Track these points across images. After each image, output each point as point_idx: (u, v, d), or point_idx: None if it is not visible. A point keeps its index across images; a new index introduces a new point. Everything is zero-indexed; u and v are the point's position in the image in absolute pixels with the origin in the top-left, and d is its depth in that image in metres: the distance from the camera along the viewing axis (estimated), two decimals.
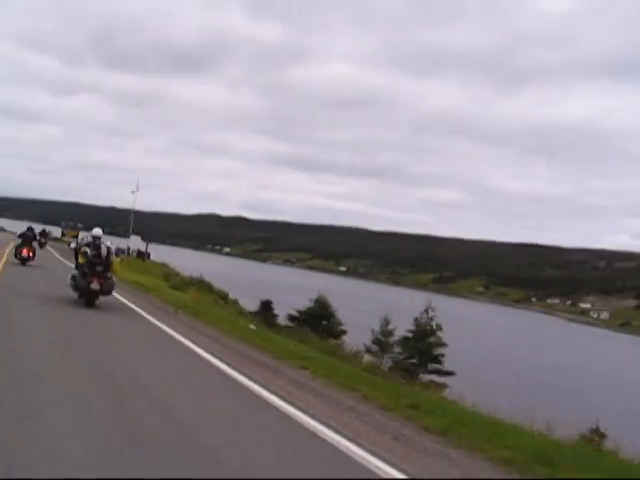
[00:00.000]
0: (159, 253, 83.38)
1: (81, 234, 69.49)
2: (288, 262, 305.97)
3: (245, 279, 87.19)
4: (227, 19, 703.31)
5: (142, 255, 63.29)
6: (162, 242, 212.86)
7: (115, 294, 18.61)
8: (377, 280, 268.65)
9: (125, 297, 20.20)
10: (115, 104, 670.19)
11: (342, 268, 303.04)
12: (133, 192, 72.50)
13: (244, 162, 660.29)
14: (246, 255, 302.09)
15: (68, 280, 17.68)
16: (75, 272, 17.50)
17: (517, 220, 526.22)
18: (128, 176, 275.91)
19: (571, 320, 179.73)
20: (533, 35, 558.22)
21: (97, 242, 17.31)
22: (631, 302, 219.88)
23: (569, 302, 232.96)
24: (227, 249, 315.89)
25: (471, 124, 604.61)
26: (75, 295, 17.20)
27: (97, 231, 17.74)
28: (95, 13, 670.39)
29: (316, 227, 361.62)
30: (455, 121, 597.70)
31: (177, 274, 47.24)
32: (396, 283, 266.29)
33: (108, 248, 17.47)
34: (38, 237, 62.94)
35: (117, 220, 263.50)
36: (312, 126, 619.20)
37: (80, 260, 17.33)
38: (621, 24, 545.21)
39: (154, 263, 60.91)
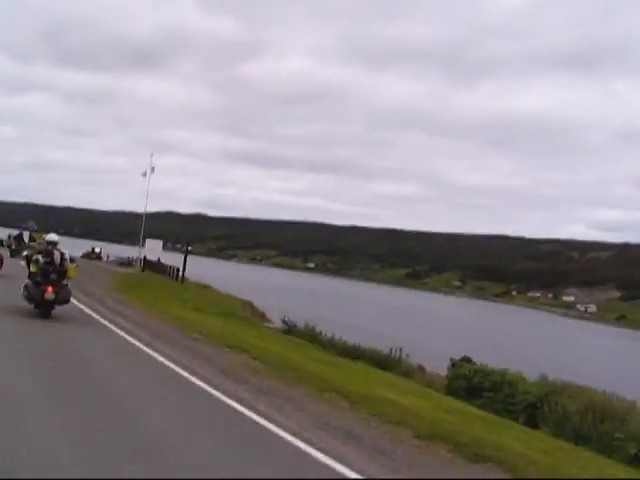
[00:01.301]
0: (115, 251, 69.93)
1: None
2: (253, 260, 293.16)
3: (251, 286, 75.22)
4: (181, 14, 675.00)
5: (169, 271, 43.80)
6: (120, 242, 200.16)
7: None
8: (349, 277, 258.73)
9: None
10: (69, 102, 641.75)
11: (310, 265, 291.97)
12: (145, 175, 55.77)
13: (200, 159, 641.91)
14: (209, 253, 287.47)
15: (21, 290, 16.47)
16: (27, 282, 16.48)
17: (475, 212, 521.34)
18: (83, 176, 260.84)
19: (565, 315, 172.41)
20: (490, 28, 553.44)
21: (49, 248, 16.57)
22: (614, 294, 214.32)
23: (550, 295, 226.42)
24: (189, 248, 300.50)
25: (428, 118, 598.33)
26: (30, 306, 16.14)
27: (52, 236, 17.08)
28: (44, 8, 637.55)
29: (278, 223, 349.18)
30: (412, 115, 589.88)
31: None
32: (369, 279, 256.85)
33: (62, 254, 16.49)
34: (9, 242, 50.37)
35: (74, 220, 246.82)
36: (268, 122, 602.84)
37: (32, 269, 16.46)
38: (578, 17, 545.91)
39: (199, 287, 42.87)
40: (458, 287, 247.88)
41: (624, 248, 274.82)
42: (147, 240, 53.52)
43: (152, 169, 56.60)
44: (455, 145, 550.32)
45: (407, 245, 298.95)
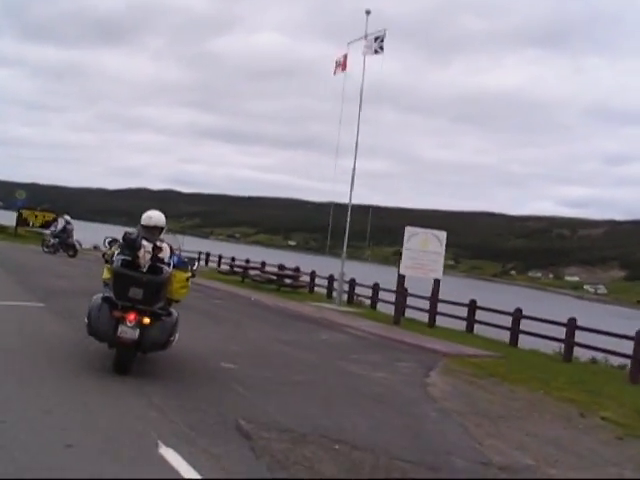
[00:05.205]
0: (89, 232, 50.12)
1: (61, 220, 38.23)
2: (232, 237, 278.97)
3: None
4: None
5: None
6: (91, 220, 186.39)
7: None
8: (335, 255, 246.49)
9: None
10: (35, 77, 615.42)
11: (292, 243, 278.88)
12: (339, 67, 27.82)
13: (170, 135, 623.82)
14: (184, 231, 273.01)
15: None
16: (96, 298, 8.40)
17: (447, 189, 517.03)
18: (50, 152, 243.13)
19: (580, 297, 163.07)
20: (464, 4, 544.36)
21: (134, 237, 8.40)
22: (618, 273, 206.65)
23: (552, 275, 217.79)
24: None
25: (400, 94, 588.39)
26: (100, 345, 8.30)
27: (153, 215, 8.98)
28: None
29: (254, 199, 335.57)
30: (384, 91, 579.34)
31: None
32: (355, 258, 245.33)
33: (156, 248, 8.32)
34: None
35: (41, 198, 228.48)
36: (239, 97, 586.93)
37: (105, 275, 8.85)
38: None
39: None
40: (452, 266, 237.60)
41: (614, 225, 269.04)
42: (411, 230, 20.45)
43: (380, 48, 26.40)
44: (427, 122, 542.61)
45: (389, 223, 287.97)
